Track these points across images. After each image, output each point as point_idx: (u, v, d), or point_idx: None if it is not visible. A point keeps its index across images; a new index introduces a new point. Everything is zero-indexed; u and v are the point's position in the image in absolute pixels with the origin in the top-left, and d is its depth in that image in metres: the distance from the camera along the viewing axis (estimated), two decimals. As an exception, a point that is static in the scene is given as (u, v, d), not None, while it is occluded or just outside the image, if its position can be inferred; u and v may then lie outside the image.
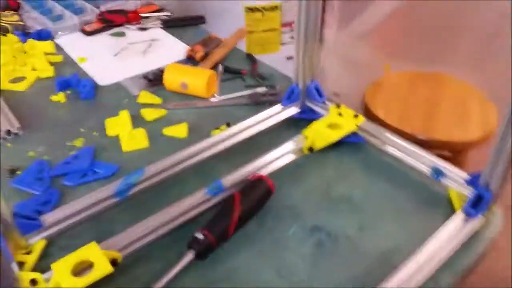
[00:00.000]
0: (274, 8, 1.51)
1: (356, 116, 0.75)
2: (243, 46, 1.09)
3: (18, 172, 0.72)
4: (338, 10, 1.84)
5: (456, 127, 1.12)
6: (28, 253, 0.57)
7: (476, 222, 0.58)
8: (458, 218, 0.59)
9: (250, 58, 1.02)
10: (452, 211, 0.63)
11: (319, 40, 1.74)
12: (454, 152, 1.12)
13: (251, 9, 1.49)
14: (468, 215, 0.59)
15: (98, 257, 0.51)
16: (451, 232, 0.57)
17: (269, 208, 0.64)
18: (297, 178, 0.70)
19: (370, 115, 1.17)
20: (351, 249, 0.59)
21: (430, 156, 0.67)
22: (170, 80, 0.88)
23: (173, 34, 1.13)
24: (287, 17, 1.52)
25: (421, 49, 1.53)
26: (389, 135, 0.72)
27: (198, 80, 0.86)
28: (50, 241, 0.60)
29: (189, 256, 0.56)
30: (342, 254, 0.58)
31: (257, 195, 0.63)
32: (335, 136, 0.70)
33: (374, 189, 0.68)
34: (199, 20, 1.18)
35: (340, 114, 0.75)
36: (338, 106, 0.77)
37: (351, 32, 1.80)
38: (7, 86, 0.93)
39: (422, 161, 0.67)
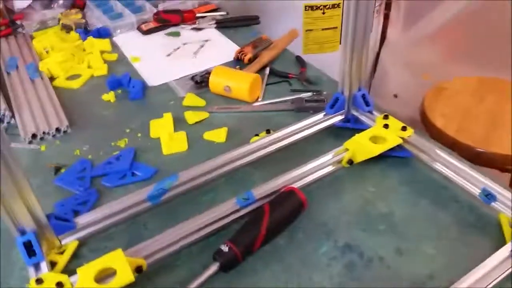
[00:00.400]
0: (335, 6, 1.45)
1: (404, 128, 0.70)
2: (294, 47, 1.05)
3: (63, 170, 0.75)
4: (405, 9, 1.74)
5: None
6: (61, 253, 0.59)
7: (530, 257, 0.52)
8: (507, 249, 0.52)
9: (299, 61, 0.99)
10: (501, 238, 0.56)
11: (380, 40, 1.65)
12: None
13: (311, 7, 1.45)
14: (521, 248, 0.52)
15: (121, 265, 0.52)
16: (496, 264, 0.51)
17: (301, 223, 0.62)
18: (334, 192, 0.66)
19: (427, 123, 1.09)
20: (384, 273, 0.55)
21: (481, 176, 0.61)
22: (215, 83, 0.88)
23: (226, 34, 1.13)
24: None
25: (489, 54, 1.40)
26: (439, 151, 0.66)
27: (241, 84, 0.84)
28: (83, 243, 0.61)
29: (213, 268, 0.55)
30: (373, 277, 0.54)
31: (287, 209, 0.60)
32: (377, 150, 0.66)
33: (417, 209, 0.63)
34: (253, 20, 1.17)
35: (386, 126, 0.70)
36: (386, 117, 0.72)
37: (417, 33, 1.70)
38: (63, 83, 0.97)
39: (472, 181, 0.61)
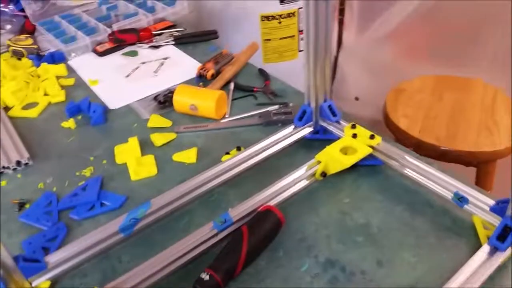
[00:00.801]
0: (290, 15, 1.47)
1: (372, 137, 0.71)
2: (255, 61, 1.05)
3: (27, 206, 0.71)
4: (358, 11, 1.78)
5: (483, 137, 1.06)
6: (33, 295, 0.56)
7: (503, 255, 0.53)
8: (483, 252, 0.54)
9: (262, 74, 0.99)
10: (476, 240, 0.58)
11: (337, 45, 1.66)
12: (480, 164, 1.06)
13: (267, 17, 1.46)
14: (495, 247, 0.54)
15: (98, 305, 0.49)
16: (475, 267, 0.52)
17: (280, 241, 0.61)
18: (310, 206, 0.66)
19: (390, 125, 1.12)
20: (368, 286, 0.55)
21: (452, 180, 0.62)
22: (180, 103, 0.86)
23: (185, 51, 1.12)
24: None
25: (447, 52, 1.46)
26: (408, 157, 0.67)
27: (207, 102, 0.83)
28: (55, 281, 0.58)
29: (194, 298, 0.54)
30: (358, 292, 0.54)
31: (266, 229, 0.59)
32: (348, 161, 0.66)
33: (393, 217, 0.63)
34: (211, 35, 1.16)
35: (355, 135, 0.71)
36: (354, 126, 0.73)
37: (372, 34, 1.74)
38: (19, 113, 0.93)
39: (444, 185, 0.62)
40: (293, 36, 1.52)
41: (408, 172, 0.67)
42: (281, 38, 1.52)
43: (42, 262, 0.57)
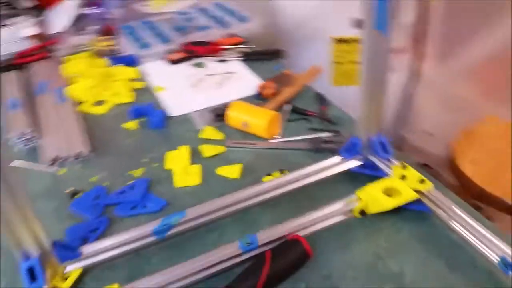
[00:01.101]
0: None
1: (422, 181, 0.67)
2: (316, 84, 1.05)
3: (78, 195, 0.76)
4: (440, 45, 1.70)
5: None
6: (65, 279, 0.60)
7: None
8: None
9: (320, 98, 0.98)
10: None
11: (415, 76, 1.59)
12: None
13: (339, 40, 1.45)
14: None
15: (115, 302, 0.52)
16: None
17: (304, 273, 0.60)
18: (343, 244, 0.64)
19: (455, 170, 1.05)
20: (386, 338, 0.52)
21: (501, 243, 0.57)
22: (233, 118, 0.88)
23: (251, 67, 1.14)
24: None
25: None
26: (457, 210, 0.63)
27: (259, 121, 0.84)
28: (86, 271, 0.62)
29: (210, 313, 0.54)
30: None
31: (290, 258, 0.59)
32: (390, 204, 0.64)
33: (430, 269, 0.60)
34: (278, 54, 1.17)
35: (403, 177, 0.68)
36: (404, 166, 0.70)
37: (453, 68, 1.65)
38: (89, 109, 1.00)
39: (491, 247, 0.58)
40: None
41: (455, 225, 0.62)
42: (351, 62, 1.50)
43: (77, 251, 0.61)
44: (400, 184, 0.66)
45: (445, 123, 1.60)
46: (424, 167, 1.68)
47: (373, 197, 0.64)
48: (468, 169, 1.01)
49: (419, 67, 1.70)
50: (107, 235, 0.66)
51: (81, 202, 0.74)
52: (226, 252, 0.60)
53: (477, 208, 0.71)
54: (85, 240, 0.67)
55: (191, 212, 0.67)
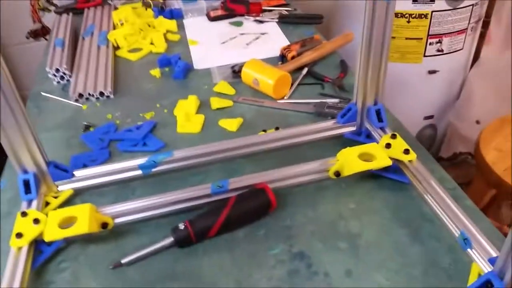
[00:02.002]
0: (421, 16, 1.38)
1: (406, 151, 0.65)
2: (348, 51, 1.03)
3: (91, 129, 0.84)
4: (506, 26, 1.57)
5: None
6: (56, 197, 0.68)
7: (480, 315, 0.47)
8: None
9: (342, 65, 0.96)
10: (466, 290, 0.51)
11: (472, 59, 1.52)
12: None
13: (396, 14, 1.39)
14: (474, 303, 0.47)
15: (83, 217, 0.58)
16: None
17: (266, 222, 0.62)
18: (312, 200, 0.65)
19: (478, 156, 0.99)
20: (323, 290, 0.53)
21: (466, 219, 0.55)
22: (247, 75, 0.90)
23: (285, 30, 1.14)
24: (438, 27, 1.38)
25: None
26: (433, 183, 0.61)
27: (267, 80, 0.86)
28: (77, 193, 0.69)
29: (167, 241, 0.59)
30: (311, 292, 0.53)
31: (252, 204, 0.61)
32: (361, 166, 0.63)
33: (390, 236, 0.59)
34: (316, 19, 1.16)
35: (388, 145, 0.66)
36: (394, 136, 0.68)
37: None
38: (124, 54, 1.07)
39: (454, 222, 0.56)
40: (421, 38, 1.42)
41: (428, 198, 0.61)
42: (407, 38, 1.43)
43: (70, 173, 0.68)
44: (378, 150, 0.65)
45: (494, 112, 1.49)
46: (463, 155, 1.59)
47: (348, 160, 0.64)
48: (490, 155, 0.96)
49: (480, 49, 1.58)
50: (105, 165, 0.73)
51: (90, 135, 0.82)
52: (198, 192, 0.64)
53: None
54: (85, 167, 0.74)
55: (178, 154, 0.71)
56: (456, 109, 1.63)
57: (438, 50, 1.44)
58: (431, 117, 1.60)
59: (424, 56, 1.44)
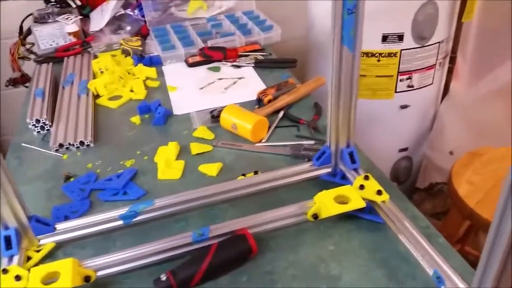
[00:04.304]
0: (391, 55, 1.44)
1: (379, 192, 0.68)
2: (319, 93, 1.07)
3: (72, 179, 0.84)
4: (471, 62, 1.65)
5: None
6: (38, 251, 0.68)
7: None
8: None
9: (316, 108, 1.00)
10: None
11: (442, 94, 1.57)
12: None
13: (366, 54, 1.45)
14: None
15: (66, 272, 0.58)
16: None
17: (248, 268, 0.63)
18: (291, 244, 0.67)
19: (451, 188, 1.03)
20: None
21: (438, 257, 0.57)
22: (225, 120, 0.93)
23: (261, 74, 1.18)
24: (407, 65, 1.44)
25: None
26: (406, 223, 0.64)
27: (245, 124, 0.89)
28: (59, 246, 0.70)
29: (150, 294, 0.59)
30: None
31: (234, 251, 0.63)
32: (336, 210, 0.65)
33: (369, 277, 0.61)
34: (290, 63, 1.21)
35: (362, 187, 0.69)
36: (366, 177, 0.71)
37: (482, 88, 1.60)
38: (104, 102, 1.09)
39: (428, 260, 0.58)
40: (391, 76, 1.49)
41: (402, 238, 0.63)
42: (377, 76, 1.50)
43: (51, 226, 0.69)
44: (352, 193, 0.67)
45: (466, 143, 1.55)
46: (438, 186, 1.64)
47: (325, 202, 0.66)
48: (462, 189, 0.99)
49: (448, 83, 1.66)
50: (85, 216, 0.73)
51: (71, 185, 0.82)
52: (179, 241, 0.65)
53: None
54: (66, 219, 0.75)
55: (159, 202, 0.72)
56: (430, 141, 1.68)
57: (409, 86, 1.51)
58: (405, 149, 1.65)
59: (396, 92, 1.50)
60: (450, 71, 1.65)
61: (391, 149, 1.63)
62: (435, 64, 1.50)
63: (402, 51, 1.42)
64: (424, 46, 1.43)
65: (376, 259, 0.63)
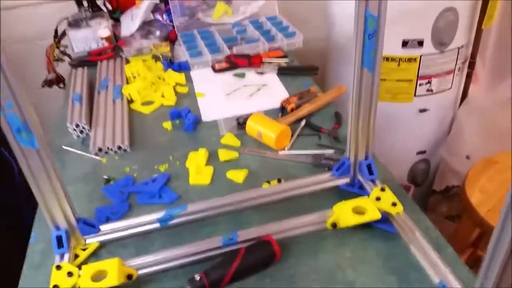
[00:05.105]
0: (411, 60, 1.48)
1: (394, 204, 0.74)
2: (340, 101, 1.12)
3: (111, 182, 0.92)
4: (490, 67, 1.67)
5: None
6: (84, 250, 0.76)
7: None
8: None
9: (337, 117, 1.06)
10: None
11: (461, 98, 1.61)
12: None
13: (387, 59, 1.50)
14: None
15: (112, 271, 0.66)
16: None
17: (273, 270, 0.70)
18: (312, 250, 0.73)
19: (463, 197, 1.08)
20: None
21: (445, 267, 0.63)
22: (251, 128, 1.00)
23: (284, 81, 1.24)
24: (427, 69, 1.48)
25: None
26: (417, 234, 0.70)
27: (270, 133, 0.95)
28: (103, 245, 0.78)
29: (184, 291, 0.67)
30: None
31: (259, 256, 0.70)
32: (354, 220, 0.72)
33: (381, 283, 0.67)
34: (312, 70, 1.26)
35: (378, 198, 0.75)
36: (383, 189, 0.77)
37: (501, 94, 1.62)
38: (137, 107, 1.17)
39: (435, 270, 0.64)
40: (411, 80, 1.53)
41: (413, 248, 0.69)
42: (397, 80, 1.54)
43: (96, 227, 0.77)
44: (369, 204, 0.73)
45: (483, 148, 1.59)
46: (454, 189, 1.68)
47: (343, 213, 0.73)
48: (475, 197, 1.04)
49: (467, 87, 1.69)
50: (125, 218, 0.81)
51: (111, 188, 0.90)
52: (211, 244, 0.73)
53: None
54: (108, 220, 0.83)
55: (192, 207, 0.80)
56: (447, 144, 1.72)
57: (428, 90, 1.55)
58: (423, 152, 1.69)
59: (415, 96, 1.54)
60: (468, 76, 1.68)
61: (409, 151, 1.67)
62: (454, 69, 1.53)
63: (422, 57, 1.45)
64: (444, 52, 1.46)
65: (389, 267, 0.70)
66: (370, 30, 0.69)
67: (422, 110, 1.59)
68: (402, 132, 1.61)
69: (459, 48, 1.50)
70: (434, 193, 1.74)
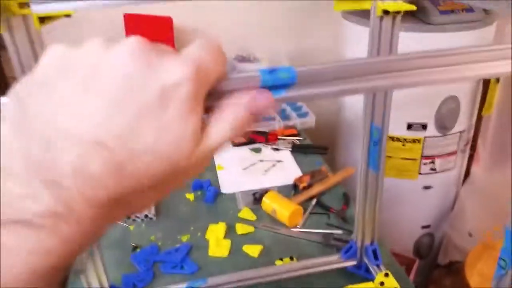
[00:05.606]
0: (415, 141, 1.59)
1: (396, 289, 0.82)
2: (347, 184, 1.22)
3: (138, 249, 1.01)
4: (491, 149, 1.77)
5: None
6: (114, 314, 0.84)
7: None
8: None
9: (345, 197, 1.15)
10: None
11: (463, 178, 1.72)
12: None
13: (392, 138, 1.61)
14: None
15: (141, 338, 0.74)
16: None
17: None
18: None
19: (464, 281, 1.14)
20: None
21: None
22: (266, 204, 1.09)
23: (296, 158, 1.35)
24: (430, 150, 1.59)
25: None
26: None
27: (284, 211, 1.05)
28: (130, 311, 0.86)
29: None
30: None
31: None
32: (359, 304, 0.79)
33: None
34: (322, 150, 1.38)
35: (382, 283, 0.83)
36: (386, 275, 0.85)
37: (502, 175, 1.71)
38: (162, 177, 1.28)
39: None
40: (415, 159, 1.63)
41: (412, 331, 0.76)
42: (402, 159, 1.64)
43: (126, 295, 0.85)
44: (373, 291, 0.81)
45: (485, 225, 1.66)
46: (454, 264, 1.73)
47: (349, 296, 0.81)
48: (473, 281, 1.11)
49: (469, 167, 1.78)
50: (150, 286, 0.90)
51: (138, 256, 0.99)
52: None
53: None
54: (134, 287, 0.91)
55: (212, 280, 0.88)
56: (451, 220, 1.79)
57: (432, 169, 1.64)
58: (428, 226, 1.77)
59: (419, 173, 1.64)
60: (471, 157, 1.79)
61: (414, 225, 1.75)
62: (456, 151, 1.64)
63: (426, 138, 1.57)
64: (446, 135, 1.58)
65: None
66: (375, 138, 0.81)
67: (427, 187, 1.68)
68: (408, 206, 1.70)
69: (461, 132, 1.61)
70: (438, 266, 1.79)
